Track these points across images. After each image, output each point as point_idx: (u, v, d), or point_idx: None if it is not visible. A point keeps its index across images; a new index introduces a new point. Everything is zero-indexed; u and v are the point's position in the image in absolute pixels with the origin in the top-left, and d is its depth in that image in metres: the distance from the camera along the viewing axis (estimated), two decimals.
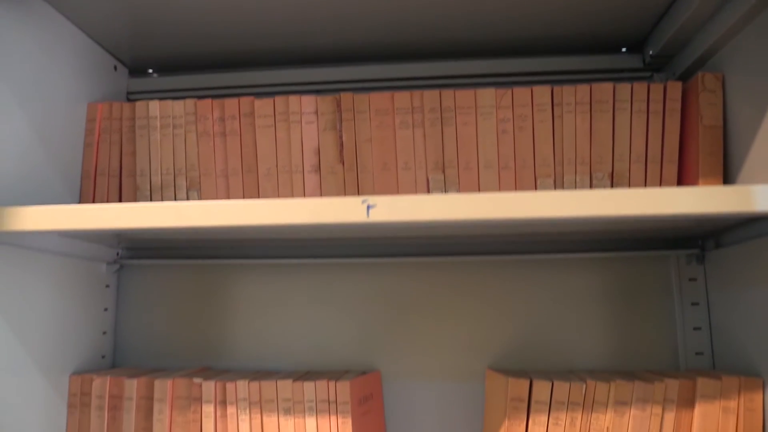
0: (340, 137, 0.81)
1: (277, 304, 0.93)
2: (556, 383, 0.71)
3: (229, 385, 0.75)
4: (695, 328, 0.86)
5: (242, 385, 0.75)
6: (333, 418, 0.73)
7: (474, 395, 0.88)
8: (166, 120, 0.83)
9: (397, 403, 0.89)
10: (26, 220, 0.64)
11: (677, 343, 0.87)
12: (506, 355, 0.89)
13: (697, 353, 0.86)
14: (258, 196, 0.81)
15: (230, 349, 0.93)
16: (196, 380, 0.76)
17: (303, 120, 0.81)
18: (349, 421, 0.73)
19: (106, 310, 0.92)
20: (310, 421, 0.74)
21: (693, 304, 0.87)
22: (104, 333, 0.91)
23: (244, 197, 0.81)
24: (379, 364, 0.90)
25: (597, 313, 0.89)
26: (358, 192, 0.80)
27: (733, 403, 0.69)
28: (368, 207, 0.62)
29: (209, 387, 0.75)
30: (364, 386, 0.82)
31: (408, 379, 0.90)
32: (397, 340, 0.91)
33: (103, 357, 0.90)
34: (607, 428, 0.70)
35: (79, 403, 0.79)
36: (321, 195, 0.80)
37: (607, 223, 0.72)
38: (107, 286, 0.92)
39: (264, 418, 0.74)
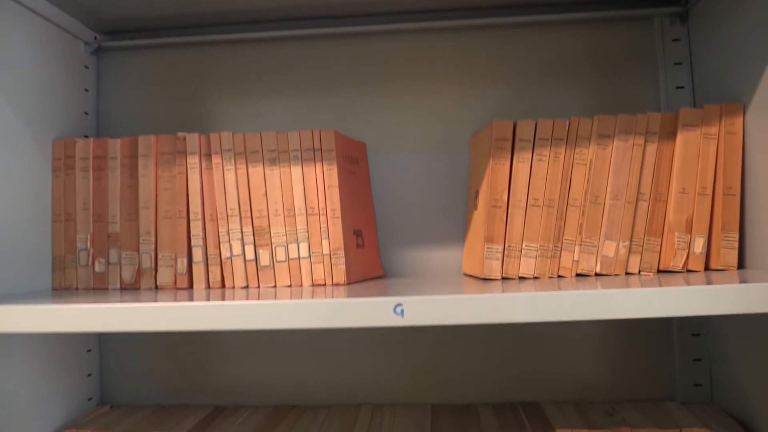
0: None
1: (260, 84, 0.92)
2: (539, 121, 0.71)
3: (213, 137, 0.75)
4: (678, 87, 0.86)
5: (226, 137, 0.75)
6: (319, 166, 0.74)
7: (458, 164, 0.89)
8: None
9: (383, 174, 0.90)
10: None
11: (660, 105, 0.88)
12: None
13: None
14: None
15: (216, 128, 0.92)
16: (180, 135, 0.76)
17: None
18: (334, 169, 0.74)
19: (86, 90, 0.90)
20: (296, 170, 0.74)
21: (676, 63, 0.86)
22: (86, 113, 0.90)
23: None
24: (365, 137, 0.90)
25: (579, 78, 0.89)
26: None
27: (714, 129, 0.70)
28: None
29: (193, 140, 0.75)
30: (350, 147, 0.82)
31: (393, 150, 0.90)
32: (382, 113, 0.90)
33: (85, 137, 0.90)
34: (590, 161, 0.71)
35: (63, 167, 0.79)
36: None
37: None
38: (86, 67, 0.91)
39: (249, 168, 0.75)
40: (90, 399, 0.91)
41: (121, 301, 0.57)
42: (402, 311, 0.52)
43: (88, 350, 0.91)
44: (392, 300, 0.52)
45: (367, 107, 0.91)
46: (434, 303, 0.52)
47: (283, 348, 0.92)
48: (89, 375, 0.90)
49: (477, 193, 0.78)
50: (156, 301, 0.56)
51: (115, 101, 0.93)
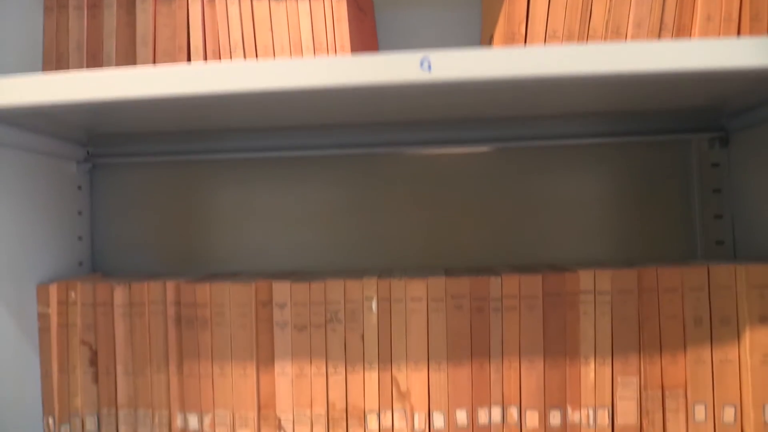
0: None
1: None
2: None
3: None
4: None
5: None
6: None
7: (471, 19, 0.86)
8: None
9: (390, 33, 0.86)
10: None
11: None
12: None
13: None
14: None
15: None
16: None
17: None
18: (343, 2, 0.70)
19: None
20: (303, 3, 0.70)
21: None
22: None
23: None
24: None
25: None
26: None
27: None
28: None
29: None
30: None
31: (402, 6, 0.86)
32: None
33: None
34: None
35: (56, 5, 0.74)
36: None
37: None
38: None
39: (254, 2, 0.71)
40: (80, 264, 0.83)
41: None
42: (429, 65, 0.48)
43: (79, 212, 0.84)
44: (418, 55, 0.49)
45: None
46: (464, 57, 0.48)
47: (284, 214, 0.86)
48: (80, 238, 0.83)
49: (491, 39, 0.75)
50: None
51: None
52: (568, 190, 0.84)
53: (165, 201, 0.87)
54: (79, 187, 0.84)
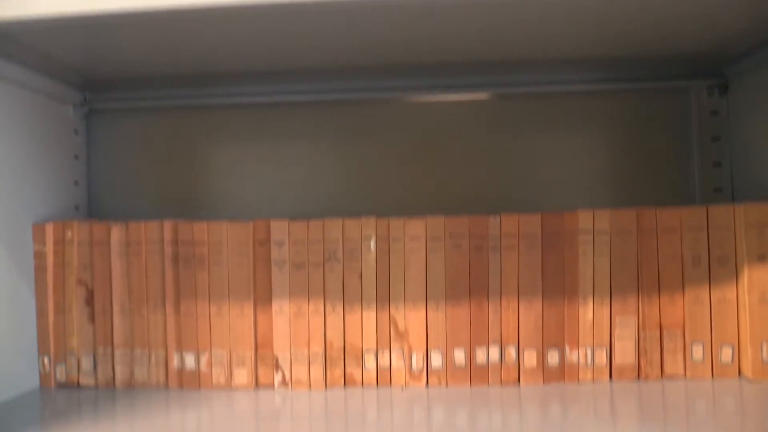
0: None
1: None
2: None
3: None
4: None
5: None
6: None
7: None
8: None
9: None
10: None
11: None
12: None
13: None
14: None
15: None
16: None
17: None
18: None
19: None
20: None
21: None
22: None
23: None
24: None
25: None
26: None
27: None
28: None
29: None
30: None
31: None
32: None
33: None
34: None
35: None
36: None
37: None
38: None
39: None
40: (77, 208, 0.83)
41: None
42: None
43: (76, 156, 0.82)
44: None
45: None
46: None
47: (282, 162, 0.86)
48: (76, 183, 0.82)
49: None
50: None
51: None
52: (566, 139, 0.84)
53: (162, 147, 0.86)
54: (76, 131, 0.83)
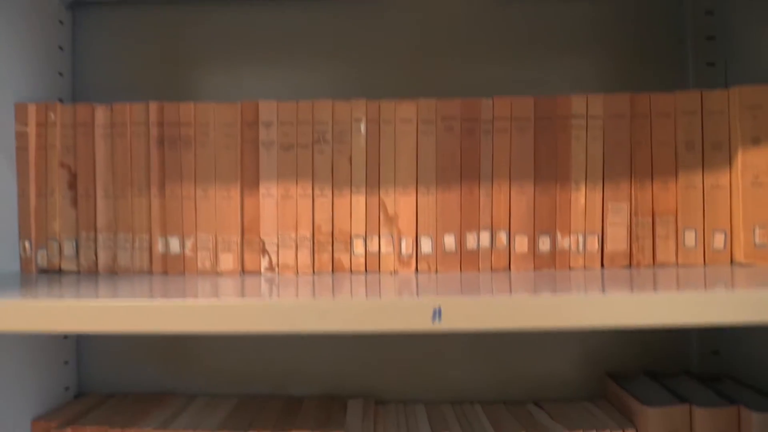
0: None
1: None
2: None
3: None
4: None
5: None
6: None
7: None
8: None
9: None
10: None
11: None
12: None
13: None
14: None
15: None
16: None
17: None
18: None
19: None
20: None
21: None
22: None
23: None
24: None
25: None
26: None
27: None
28: None
29: None
30: None
31: None
32: None
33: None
34: None
35: None
36: None
37: None
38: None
39: None
40: (61, 101, 0.78)
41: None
42: None
43: (60, 47, 0.79)
44: None
45: None
46: None
47: (272, 51, 0.82)
48: (60, 74, 0.79)
49: None
50: None
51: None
52: (561, 25, 0.82)
53: (149, 39, 0.84)
54: (61, 22, 0.80)
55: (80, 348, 0.82)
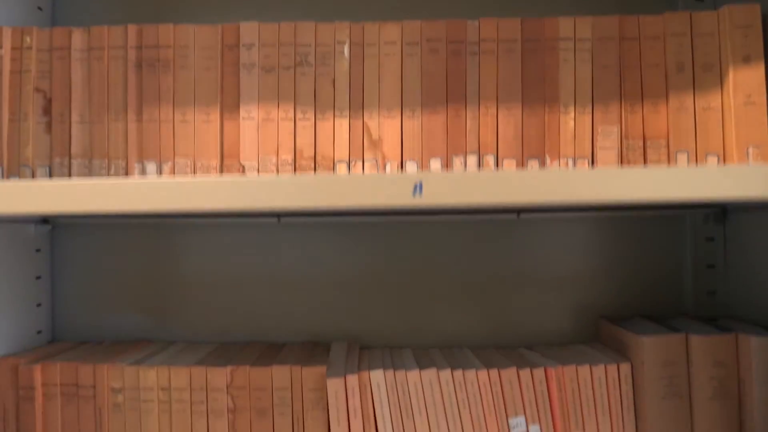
0: None
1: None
2: None
3: None
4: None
5: None
6: None
7: None
8: None
9: None
10: None
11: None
12: None
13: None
14: None
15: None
16: None
17: None
18: None
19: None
20: None
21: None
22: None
23: None
24: None
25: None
26: None
27: None
28: None
29: None
30: None
31: None
32: None
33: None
34: None
35: None
36: None
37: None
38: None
39: None
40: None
41: None
42: None
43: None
44: None
45: None
46: None
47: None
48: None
49: None
50: None
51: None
52: None
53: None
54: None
55: (55, 293, 0.79)
